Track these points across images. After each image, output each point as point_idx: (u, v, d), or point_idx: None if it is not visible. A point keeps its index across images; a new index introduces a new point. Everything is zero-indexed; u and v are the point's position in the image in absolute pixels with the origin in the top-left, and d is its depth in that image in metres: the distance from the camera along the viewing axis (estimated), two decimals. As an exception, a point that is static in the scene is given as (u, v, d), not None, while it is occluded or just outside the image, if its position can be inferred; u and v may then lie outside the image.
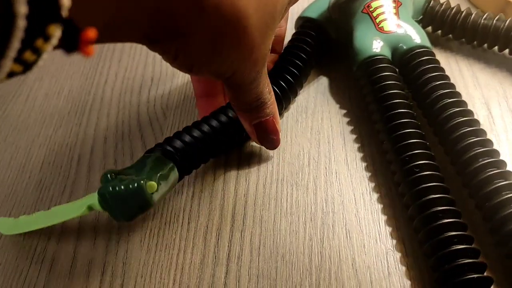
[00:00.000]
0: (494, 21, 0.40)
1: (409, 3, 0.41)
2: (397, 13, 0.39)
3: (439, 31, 0.44)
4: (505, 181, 0.30)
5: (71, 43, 0.16)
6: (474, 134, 0.32)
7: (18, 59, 0.16)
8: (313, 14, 0.43)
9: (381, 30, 0.39)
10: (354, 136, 0.39)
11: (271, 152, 0.38)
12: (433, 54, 0.37)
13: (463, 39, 0.43)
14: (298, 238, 0.33)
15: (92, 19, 0.20)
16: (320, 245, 0.33)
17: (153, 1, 0.22)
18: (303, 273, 0.31)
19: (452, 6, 0.42)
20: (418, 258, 0.31)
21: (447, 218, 0.29)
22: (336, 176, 0.36)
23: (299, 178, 0.36)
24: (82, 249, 0.34)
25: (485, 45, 0.43)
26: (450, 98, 0.34)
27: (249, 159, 0.38)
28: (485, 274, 0.28)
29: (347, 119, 0.40)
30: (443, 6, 0.43)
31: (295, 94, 0.41)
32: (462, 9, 0.42)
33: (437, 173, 0.32)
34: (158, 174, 0.29)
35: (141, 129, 0.41)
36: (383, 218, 0.34)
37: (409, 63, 0.37)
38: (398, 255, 0.32)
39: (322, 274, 0.31)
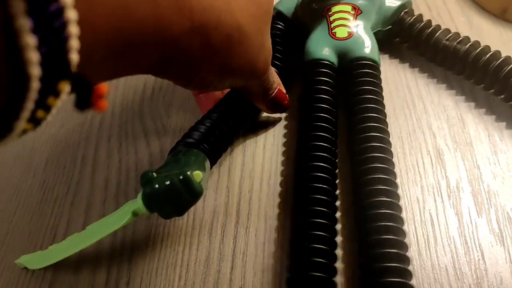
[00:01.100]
0: (455, 43, 0.39)
1: (371, 13, 0.40)
2: (354, 21, 0.39)
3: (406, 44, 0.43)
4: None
5: (84, 100, 0.16)
6: (380, 171, 0.32)
7: (30, 118, 0.15)
8: (284, 8, 0.43)
9: (333, 35, 0.39)
10: (357, 133, 0.39)
11: (276, 149, 0.38)
12: (376, 69, 0.38)
13: (426, 56, 0.42)
14: (302, 234, 0.33)
15: (100, 73, 0.20)
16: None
17: (159, 50, 0.22)
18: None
19: (423, 20, 0.41)
20: (421, 255, 0.31)
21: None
22: (340, 171, 0.36)
23: (303, 175, 0.36)
24: (88, 247, 0.34)
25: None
26: (370, 113, 0.35)
27: (253, 156, 0.38)
28: None
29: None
30: (412, 19, 0.41)
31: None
32: (432, 25, 0.40)
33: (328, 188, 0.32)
34: (197, 164, 0.29)
35: (145, 128, 0.41)
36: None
37: (350, 72, 0.38)
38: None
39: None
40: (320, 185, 0.31)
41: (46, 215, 0.37)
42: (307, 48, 0.40)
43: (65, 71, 0.15)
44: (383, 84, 0.38)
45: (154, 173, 0.27)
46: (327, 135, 0.34)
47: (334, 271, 0.29)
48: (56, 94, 0.16)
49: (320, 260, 0.28)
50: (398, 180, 0.35)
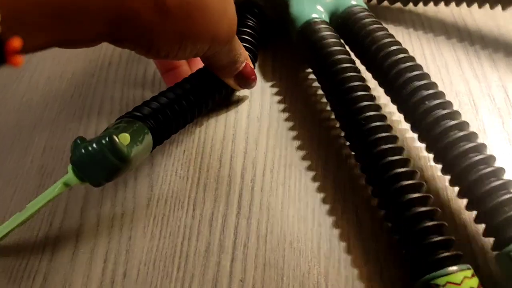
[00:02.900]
0: None
1: None
2: None
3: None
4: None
5: None
6: (425, 88, 0.31)
7: None
8: None
9: None
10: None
11: (279, 136, 0.37)
12: (368, 11, 0.37)
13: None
14: (306, 225, 0.32)
15: (39, 37, 0.19)
16: (329, 233, 0.32)
17: (109, 13, 0.21)
18: (311, 261, 0.30)
19: None
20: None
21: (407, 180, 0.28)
22: (346, 160, 0.35)
23: (308, 163, 0.35)
24: (84, 236, 0.33)
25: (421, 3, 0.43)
26: (390, 46, 0.33)
27: (256, 144, 0.37)
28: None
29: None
30: None
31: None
32: None
33: (386, 123, 0.31)
34: (129, 131, 0.28)
35: (146, 113, 0.40)
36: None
37: (346, 22, 0.36)
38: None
39: (331, 262, 0.30)
40: (386, 134, 0.30)
41: (43, 202, 0.36)
42: (294, 14, 0.38)
43: None
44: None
45: (80, 139, 0.27)
46: (368, 92, 0.32)
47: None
48: None
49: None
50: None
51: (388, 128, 0.31)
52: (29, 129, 0.41)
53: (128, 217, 0.34)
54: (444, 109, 0.29)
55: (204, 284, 0.30)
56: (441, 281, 0.25)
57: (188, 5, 0.24)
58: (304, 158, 0.36)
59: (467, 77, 0.39)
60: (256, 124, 0.38)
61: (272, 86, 0.40)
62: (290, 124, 0.38)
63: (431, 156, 0.31)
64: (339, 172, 0.34)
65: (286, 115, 0.38)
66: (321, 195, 0.33)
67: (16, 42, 0.15)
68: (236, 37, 0.31)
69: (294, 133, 0.37)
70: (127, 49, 0.26)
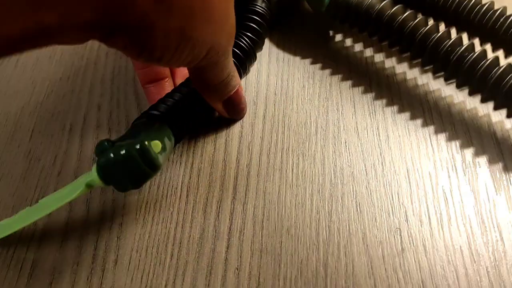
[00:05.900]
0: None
1: None
2: None
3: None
4: None
5: None
6: None
7: None
8: None
9: None
10: (365, 104, 0.36)
11: (277, 120, 0.36)
12: None
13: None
14: (304, 211, 0.31)
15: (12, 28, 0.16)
16: (328, 219, 0.31)
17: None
18: (309, 247, 0.29)
19: None
20: (433, 235, 0.29)
21: None
22: (346, 146, 0.34)
23: (306, 147, 0.34)
24: (74, 223, 0.32)
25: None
26: None
27: (252, 128, 0.35)
28: None
29: (358, 86, 0.37)
30: None
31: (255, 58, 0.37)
32: None
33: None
34: (160, 137, 0.27)
35: (138, 97, 0.39)
36: (395, 190, 0.31)
37: None
38: (412, 230, 0.30)
39: (331, 248, 0.29)
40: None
41: (31, 187, 0.35)
42: None
43: None
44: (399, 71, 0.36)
45: (110, 142, 0.25)
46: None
47: None
48: None
49: None
50: (409, 154, 0.33)
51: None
52: (16, 113, 0.40)
53: (119, 203, 0.32)
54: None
55: (198, 272, 0.29)
56: None
57: (193, 3, 0.21)
58: (301, 142, 0.34)
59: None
60: (252, 107, 0.37)
61: (268, 69, 0.39)
62: (287, 108, 0.36)
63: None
64: (337, 158, 0.33)
65: (283, 98, 0.37)
66: (319, 180, 0.32)
67: None
68: (231, 55, 0.29)
69: (291, 117, 0.36)
70: (117, 48, 0.22)
